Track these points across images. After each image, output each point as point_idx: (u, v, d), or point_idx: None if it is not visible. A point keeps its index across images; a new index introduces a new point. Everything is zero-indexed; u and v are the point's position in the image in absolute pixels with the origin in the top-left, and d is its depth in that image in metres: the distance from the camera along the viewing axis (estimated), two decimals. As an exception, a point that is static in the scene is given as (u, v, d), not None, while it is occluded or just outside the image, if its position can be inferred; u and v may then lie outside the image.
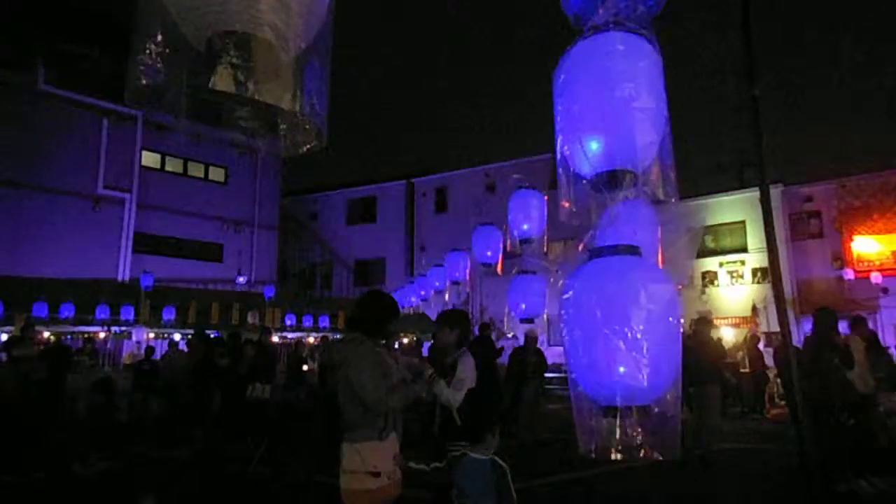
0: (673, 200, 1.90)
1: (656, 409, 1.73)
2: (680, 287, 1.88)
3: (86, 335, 15.44)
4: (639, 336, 1.66)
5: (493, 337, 11.27)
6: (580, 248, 1.90)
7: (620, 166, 1.79)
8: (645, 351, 1.66)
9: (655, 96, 1.81)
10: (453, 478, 3.03)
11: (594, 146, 1.80)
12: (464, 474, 3.01)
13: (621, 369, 1.69)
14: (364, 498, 2.80)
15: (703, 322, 8.52)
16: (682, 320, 1.80)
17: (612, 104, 1.77)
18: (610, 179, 1.79)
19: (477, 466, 3.02)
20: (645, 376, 1.67)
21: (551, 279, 5.96)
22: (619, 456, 1.70)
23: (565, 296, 1.84)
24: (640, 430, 1.71)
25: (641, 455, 1.70)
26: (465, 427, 3.19)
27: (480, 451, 3.07)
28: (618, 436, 1.70)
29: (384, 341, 3.14)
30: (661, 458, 1.71)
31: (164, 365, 11.20)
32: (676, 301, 1.77)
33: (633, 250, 1.82)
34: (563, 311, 1.84)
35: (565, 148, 1.90)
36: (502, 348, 10.58)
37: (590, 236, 1.89)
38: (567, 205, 1.94)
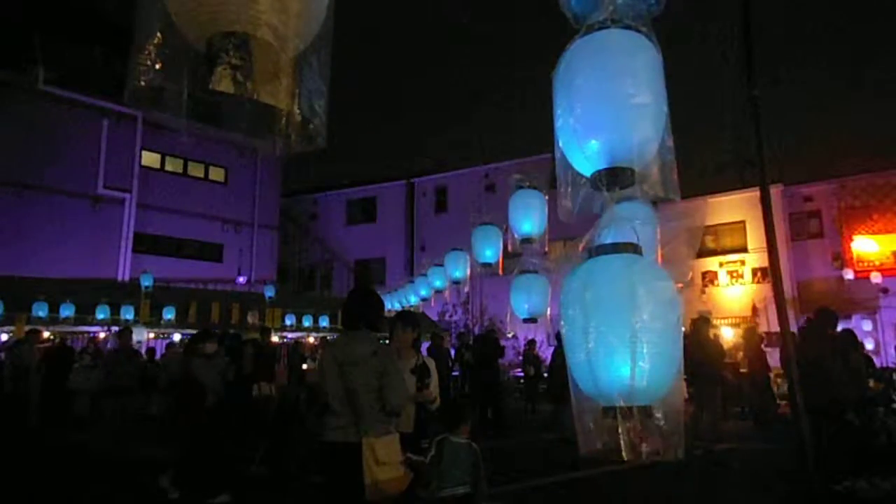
0: (674, 199, 1.88)
1: (658, 409, 1.71)
2: (680, 286, 1.87)
3: (89, 335, 15.44)
4: (639, 335, 1.64)
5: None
6: (580, 247, 1.88)
7: (619, 163, 1.77)
8: (645, 351, 1.64)
9: (655, 93, 1.79)
10: (438, 458, 3.46)
11: (593, 143, 1.78)
12: (448, 455, 3.47)
13: (622, 369, 1.67)
14: (397, 485, 3.08)
15: (702, 321, 8.52)
16: (681, 320, 1.78)
17: (611, 101, 1.75)
18: (609, 177, 1.77)
19: (458, 448, 3.50)
20: (646, 376, 1.66)
21: (551, 279, 5.97)
22: (621, 457, 1.68)
23: (565, 295, 1.82)
24: (641, 430, 1.69)
25: (643, 456, 1.69)
26: (445, 415, 3.69)
27: (458, 435, 3.54)
28: (619, 436, 1.69)
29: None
30: (662, 459, 1.70)
31: (166, 363, 11.20)
32: (677, 300, 1.75)
33: (634, 248, 1.80)
34: (562, 311, 1.82)
35: (564, 146, 1.89)
36: (504, 347, 10.62)
37: (590, 235, 1.87)
38: (566, 203, 1.92)
